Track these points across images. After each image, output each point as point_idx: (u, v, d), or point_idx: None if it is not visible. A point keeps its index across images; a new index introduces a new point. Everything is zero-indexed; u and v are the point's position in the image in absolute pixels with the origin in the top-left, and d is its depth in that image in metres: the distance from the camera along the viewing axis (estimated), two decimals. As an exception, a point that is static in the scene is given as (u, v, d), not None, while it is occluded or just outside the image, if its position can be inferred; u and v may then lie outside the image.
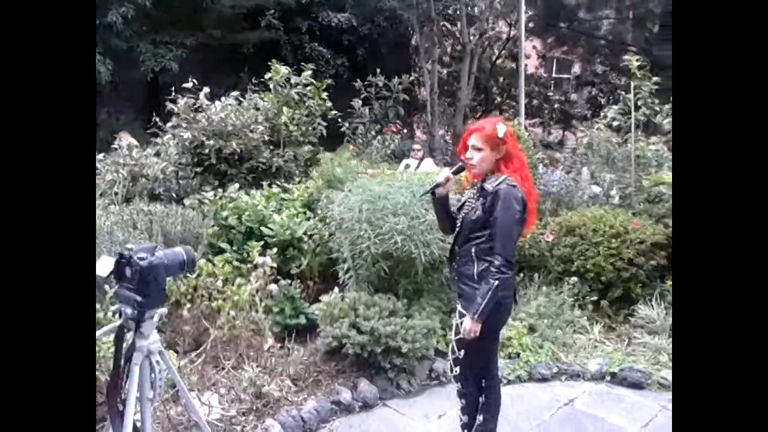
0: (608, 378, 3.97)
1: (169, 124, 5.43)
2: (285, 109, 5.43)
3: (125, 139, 7.23)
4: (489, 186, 2.53)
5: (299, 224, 4.45)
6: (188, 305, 3.65)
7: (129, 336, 1.67)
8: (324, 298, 3.93)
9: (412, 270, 4.04)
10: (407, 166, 6.00)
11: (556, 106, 18.11)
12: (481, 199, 2.56)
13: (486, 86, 16.28)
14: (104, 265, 1.61)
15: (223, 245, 4.32)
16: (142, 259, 1.55)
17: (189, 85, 5.22)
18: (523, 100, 9.60)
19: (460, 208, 2.73)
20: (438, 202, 2.78)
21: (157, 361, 1.69)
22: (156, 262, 1.57)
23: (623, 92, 6.03)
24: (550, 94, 18.72)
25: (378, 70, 9.70)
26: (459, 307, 2.70)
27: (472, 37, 11.15)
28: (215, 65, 11.47)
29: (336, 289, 3.99)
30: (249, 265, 4.06)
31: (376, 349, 3.57)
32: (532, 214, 2.64)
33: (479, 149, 2.57)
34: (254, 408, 3.19)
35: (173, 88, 5.60)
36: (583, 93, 18.66)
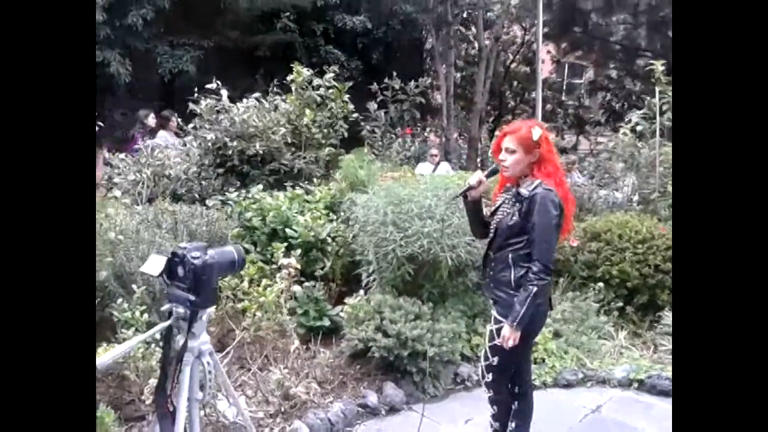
0: (635, 385, 3.92)
1: (190, 125, 5.44)
2: (307, 111, 5.43)
3: (151, 121, 7.10)
4: (525, 191, 2.50)
5: (322, 226, 4.44)
6: (213, 307, 3.64)
7: (178, 336, 1.66)
8: (349, 300, 3.91)
9: (436, 274, 4.02)
10: (422, 175, 5.97)
11: (569, 111, 18.02)
12: (517, 204, 2.53)
13: (500, 90, 16.21)
14: (155, 264, 1.60)
15: (247, 246, 4.31)
16: (195, 258, 1.54)
17: (213, 86, 5.23)
18: (540, 105, 9.55)
19: (493, 213, 2.71)
20: (470, 205, 2.76)
21: (208, 362, 1.68)
22: (209, 261, 1.56)
23: (643, 97, 5.98)
24: (564, 98, 18.65)
25: (394, 74, 9.68)
26: (494, 313, 2.67)
27: (488, 41, 11.11)
28: (230, 67, 11.48)
29: (361, 292, 3.97)
30: (273, 267, 4.06)
31: (403, 353, 3.55)
32: (568, 219, 2.60)
33: (513, 151, 2.54)
34: (282, 410, 3.17)
35: (195, 89, 5.60)
36: (597, 98, 18.55)
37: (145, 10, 8.71)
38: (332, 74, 5.63)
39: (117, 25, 8.53)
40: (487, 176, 2.66)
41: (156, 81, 11.80)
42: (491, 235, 2.67)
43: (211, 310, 1.72)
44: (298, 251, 4.24)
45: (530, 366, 3.00)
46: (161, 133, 6.81)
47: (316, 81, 5.66)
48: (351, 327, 3.73)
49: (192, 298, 1.55)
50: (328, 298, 4.24)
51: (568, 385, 3.95)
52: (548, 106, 17.52)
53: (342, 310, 4.01)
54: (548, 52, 17.16)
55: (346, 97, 5.76)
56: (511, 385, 2.83)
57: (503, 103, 17.35)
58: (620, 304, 4.50)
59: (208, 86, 5.25)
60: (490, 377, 2.78)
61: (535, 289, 2.44)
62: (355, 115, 6.08)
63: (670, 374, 3.93)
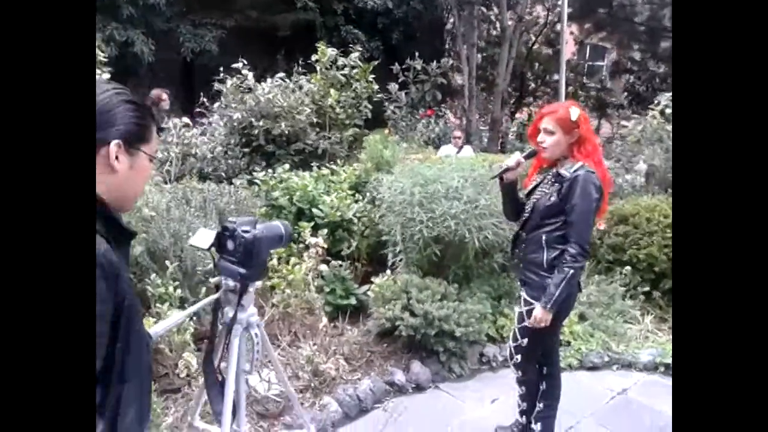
0: (661, 369, 3.92)
1: (216, 105, 5.47)
2: (332, 91, 5.41)
3: (165, 100, 7.04)
4: (565, 172, 2.48)
5: (348, 206, 4.46)
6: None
7: (227, 308, 1.69)
8: (376, 280, 3.94)
9: (462, 255, 4.02)
10: (447, 156, 5.94)
11: (591, 93, 17.74)
12: (557, 185, 2.51)
13: (522, 72, 16.02)
14: (204, 237, 1.62)
15: (274, 225, 4.34)
16: (246, 231, 1.56)
17: (238, 65, 5.23)
18: (563, 87, 9.42)
19: (529, 194, 2.70)
20: (506, 187, 2.74)
21: (255, 334, 1.71)
22: (259, 235, 1.58)
23: (668, 80, 5.85)
24: (586, 81, 18.35)
25: (416, 54, 9.62)
26: (524, 294, 2.68)
27: (510, 22, 10.95)
28: (251, 47, 11.46)
29: (388, 272, 4.00)
30: (300, 245, 4.09)
31: (429, 332, 3.57)
32: (605, 201, 2.59)
33: (551, 133, 2.52)
34: (311, 385, 3.22)
35: (219, 68, 5.61)
36: (619, 81, 18.23)
37: (168, -11, 8.71)
38: (357, 54, 5.60)
39: (140, 4, 8.54)
40: (526, 158, 2.64)
41: (177, 61, 11.86)
42: (525, 215, 2.66)
43: (259, 283, 1.74)
44: (325, 231, 4.28)
45: (558, 347, 3.01)
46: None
47: (341, 61, 5.63)
48: (378, 306, 3.76)
49: (242, 271, 1.58)
50: (354, 278, 4.28)
51: (594, 368, 3.95)
52: (570, 89, 17.26)
53: (368, 290, 4.04)
54: (571, 33, 16.85)
55: (370, 77, 5.72)
56: (539, 365, 2.85)
57: (524, 84, 17.14)
58: (647, 288, 4.47)
59: (234, 65, 5.25)
60: (518, 358, 2.80)
61: (572, 271, 2.43)
62: (380, 95, 6.05)
63: (696, 358, 3.91)
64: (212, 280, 1.69)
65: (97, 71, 3.36)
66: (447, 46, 16.66)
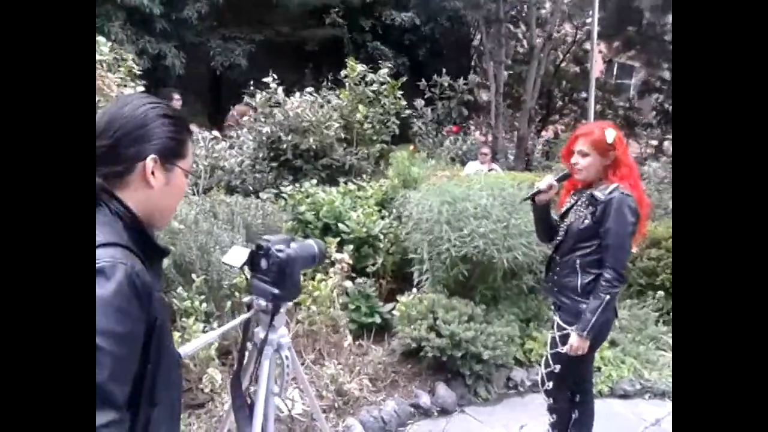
0: (696, 399, 3.77)
1: (245, 118, 5.50)
2: (360, 106, 5.41)
3: (177, 99, 6.99)
4: (599, 194, 2.41)
5: (375, 222, 4.42)
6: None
7: (257, 328, 1.65)
8: (401, 298, 3.88)
9: (490, 275, 3.95)
10: (476, 172, 5.88)
11: (619, 112, 17.52)
12: (591, 207, 2.44)
13: (549, 90, 15.90)
14: (237, 255, 1.59)
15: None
16: (280, 251, 1.52)
17: (269, 79, 5.26)
18: (592, 106, 9.30)
19: (563, 216, 2.63)
20: (538, 209, 2.68)
21: (286, 356, 1.67)
22: (293, 255, 1.54)
23: None
24: (614, 99, 18.14)
25: (443, 71, 9.61)
26: (557, 319, 2.60)
27: (539, 39, 10.89)
28: (279, 61, 11.59)
29: (414, 290, 3.94)
30: (326, 262, 4.05)
31: (456, 354, 3.49)
32: (642, 223, 2.50)
33: (586, 155, 2.45)
34: (335, 405, 3.17)
35: (249, 82, 5.65)
36: (648, 100, 17.98)
37: (200, 4, 8.86)
38: (387, 69, 5.59)
39: (173, 18, 8.70)
40: (558, 181, 2.58)
41: (206, 74, 12.04)
42: (559, 238, 2.59)
43: (290, 304, 1.70)
44: (351, 247, 4.24)
45: (592, 375, 2.91)
46: None
47: (370, 76, 5.64)
48: (403, 325, 3.70)
49: (275, 291, 1.54)
50: (378, 295, 4.22)
51: (626, 396, 3.83)
52: (597, 107, 17.08)
53: (393, 308, 3.98)
54: (600, 51, 16.73)
55: (399, 93, 5.71)
56: (572, 393, 2.76)
57: (551, 102, 17.02)
58: (680, 313, 4.32)
59: (265, 79, 5.28)
60: (550, 385, 2.71)
61: (608, 297, 2.35)
62: (408, 111, 6.03)
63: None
64: (244, 299, 1.65)
65: (132, 83, 3.40)
66: (473, 63, 16.66)
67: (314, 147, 5.12)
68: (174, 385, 1.21)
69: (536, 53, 10.44)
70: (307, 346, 3.58)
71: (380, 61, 5.96)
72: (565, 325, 2.54)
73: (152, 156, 1.15)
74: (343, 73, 5.68)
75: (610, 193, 2.37)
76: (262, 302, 1.58)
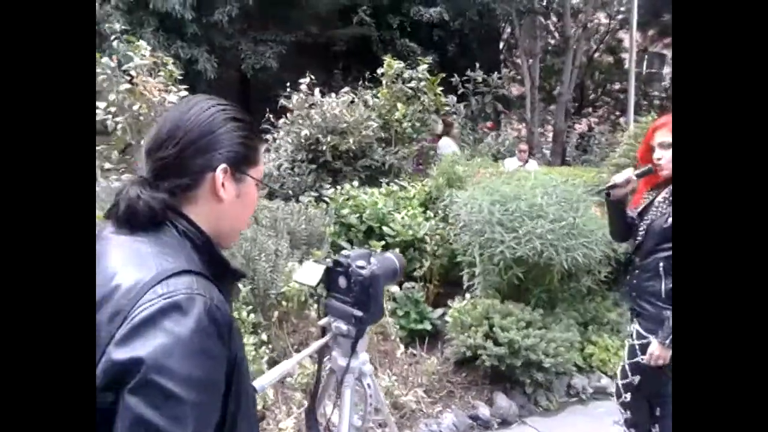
0: None
1: (282, 121, 5.39)
2: (399, 105, 5.24)
3: None
4: None
5: (420, 224, 4.25)
6: (315, 306, 3.54)
7: (334, 353, 1.50)
8: (453, 304, 3.71)
9: (547, 277, 3.74)
10: (527, 169, 5.67)
11: (655, 102, 17.02)
12: (675, 204, 2.23)
13: (582, 81, 15.51)
14: (310, 273, 1.43)
15: (344, 244, 4.19)
16: (362, 267, 1.35)
17: (306, 80, 5.14)
18: (632, 97, 8.97)
19: (642, 214, 2.41)
20: (613, 204, 2.47)
21: (368, 385, 1.51)
22: (377, 272, 1.37)
23: None
24: (648, 90, 17.65)
25: (477, 65, 9.38)
26: (637, 327, 2.39)
27: (573, 30, 10.56)
28: (308, 63, 11.54)
29: (467, 295, 3.76)
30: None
31: (515, 363, 3.31)
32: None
33: (669, 145, 2.24)
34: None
35: (287, 84, 5.54)
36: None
37: (231, 7, 8.80)
38: (426, 66, 5.41)
39: (203, 22, 8.66)
40: (638, 176, 2.36)
41: (235, 77, 12.04)
42: (639, 238, 2.37)
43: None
44: (396, 250, 4.07)
45: (671, 387, 2.68)
46: None
47: (407, 73, 5.46)
48: (457, 333, 3.52)
49: (358, 313, 1.37)
50: (425, 300, 4.06)
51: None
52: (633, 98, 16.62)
53: (444, 314, 3.81)
54: (631, 39, 16.26)
55: (439, 89, 5.53)
56: (651, 406, 2.54)
57: (584, 94, 16.62)
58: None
59: (301, 81, 5.16)
60: (628, 397, 2.51)
61: (697, 303, 2.14)
62: (447, 107, 5.84)
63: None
64: (320, 322, 1.50)
65: (173, 88, 3.30)
66: (502, 57, 16.35)
67: (353, 148, 4.97)
68: (254, 425, 1.06)
69: (571, 44, 10.12)
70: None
71: (419, 57, 5.77)
72: (645, 333, 2.33)
73: (222, 166, 1.00)
74: (379, 71, 5.51)
75: (698, 188, 2.16)
76: (342, 325, 1.41)
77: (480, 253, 3.73)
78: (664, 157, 2.25)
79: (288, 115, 5.24)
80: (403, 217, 4.23)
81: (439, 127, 6.67)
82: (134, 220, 0.96)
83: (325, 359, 1.53)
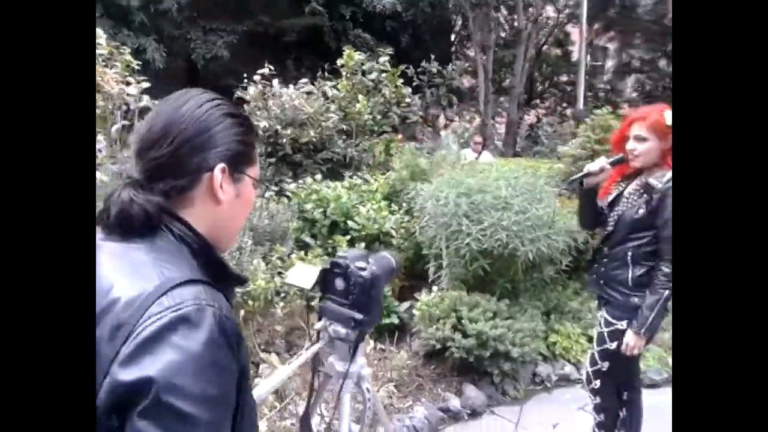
0: (725, 386, 3.69)
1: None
2: (360, 96, 5.18)
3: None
4: (656, 182, 2.26)
5: (385, 218, 4.23)
6: (281, 304, 3.47)
7: (331, 358, 1.45)
8: (421, 297, 3.71)
9: (511, 269, 3.80)
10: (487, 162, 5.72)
11: (600, 94, 17.56)
12: (646, 196, 2.28)
13: (531, 73, 15.82)
14: (303, 275, 1.38)
15: (308, 240, 4.12)
16: (361, 269, 1.30)
17: (264, 71, 5.01)
18: (582, 88, 9.20)
19: (612, 204, 2.46)
20: (585, 193, 2.51)
21: (367, 389, 1.47)
22: (378, 272, 1.32)
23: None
24: (594, 82, 18.17)
25: (431, 57, 9.40)
26: (605, 314, 2.45)
27: (525, 23, 10.74)
28: (260, 52, 11.29)
29: (434, 288, 3.77)
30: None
31: (484, 354, 3.34)
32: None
33: (644, 139, 2.29)
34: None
35: (243, 76, 5.38)
36: (627, 81, 18.05)
37: (180, -5, 8.49)
38: (387, 57, 5.37)
39: (152, 11, 8.31)
40: (612, 164, 2.41)
41: (183, 67, 11.65)
42: (609, 229, 2.43)
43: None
44: (362, 244, 4.05)
45: (639, 371, 2.77)
46: None
47: (367, 65, 5.41)
48: (425, 326, 3.53)
49: (358, 316, 1.32)
50: (392, 294, 4.05)
51: (654, 386, 3.72)
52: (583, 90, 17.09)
53: (411, 307, 3.81)
54: (581, 33, 16.70)
55: (399, 81, 5.50)
56: (619, 391, 2.62)
57: (533, 86, 16.96)
58: (702, 299, 4.24)
59: (260, 71, 5.02)
60: (597, 383, 2.57)
61: (667, 292, 2.21)
62: (408, 99, 5.81)
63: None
64: (316, 326, 1.44)
65: (131, 80, 3.13)
66: (454, 49, 16.48)
67: (314, 140, 4.89)
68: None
69: (523, 37, 10.28)
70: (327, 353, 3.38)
71: (379, 49, 5.72)
72: (614, 321, 2.39)
73: (221, 165, 0.94)
74: (339, 62, 5.43)
75: (668, 181, 2.22)
76: (341, 329, 1.36)
77: (446, 245, 3.74)
78: (636, 149, 2.30)
79: (245, 106, 5.10)
80: (368, 211, 4.20)
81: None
82: (127, 226, 0.89)
83: (320, 364, 1.49)
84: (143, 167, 0.93)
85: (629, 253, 2.34)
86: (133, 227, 0.89)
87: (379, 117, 5.31)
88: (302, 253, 3.85)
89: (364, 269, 1.31)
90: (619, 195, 2.44)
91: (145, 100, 3.04)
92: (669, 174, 2.24)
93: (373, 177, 4.80)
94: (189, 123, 0.93)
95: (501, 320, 3.47)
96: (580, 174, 2.46)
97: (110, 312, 0.80)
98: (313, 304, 3.46)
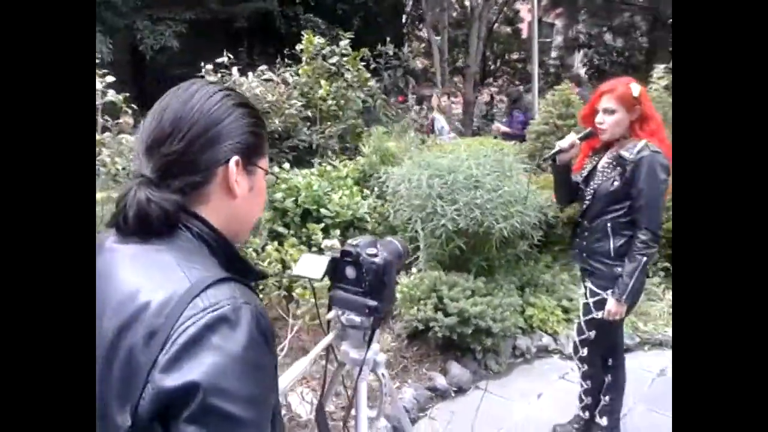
0: (693, 345, 3.87)
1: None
2: (322, 82, 5.11)
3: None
4: (627, 153, 2.32)
5: (358, 203, 4.21)
6: (260, 296, 3.43)
7: (343, 346, 1.43)
8: (402, 279, 3.73)
9: (486, 246, 3.86)
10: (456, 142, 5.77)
11: (550, 70, 17.85)
12: (619, 168, 2.35)
13: (483, 52, 15.95)
14: (312, 265, 1.35)
15: (281, 229, 4.07)
16: (374, 255, 1.29)
17: (224, 59, 4.87)
18: (536, 66, 9.35)
19: (587, 179, 2.53)
20: (559, 169, 2.57)
21: (383, 374, 1.46)
22: (389, 258, 1.31)
23: (629, 54, 5.75)
24: (545, 58, 18.45)
25: (387, 39, 9.32)
26: (590, 285, 2.53)
27: (477, 1, 10.79)
28: (210, 41, 10.97)
29: (414, 270, 3.79)
30: (313, 250, 3.83)
31: (466, 331, 3.40)
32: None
33: (612, 112, 2.35)
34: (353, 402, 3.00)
35: (203, 65, 5.21)
36: (577, 56, 18.40)
37: (123, -17, 8.13)
38: (348, 41, 5.30)
39: (96, 2, 7.93)
40: (581, 139, 2.47)
41: (131, 59, 11.21)
42: (587, 202, 2.49)
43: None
44: (336, 231, 4.03)
45: (623, 337, 2.87)
46: None
47: (327, 49, 5.33)
48: (407, 307, 3.56)
49: (372, 303, 1.31)
50: (370, 278, 4.05)
51: (627, 350, 3.83)
52: (529, 67, 17.34)
53: (390, 290, 3.82)
54: (528, 10, 16.90)
55: (361, 65, 5.44)
56: (604, 358, 2.72)
57: (485, 65, 17.10)
58: (666, 264, 4.42)
59: (218, 60, 4.88)
60: (585, 352, 2.67)
61: (645, 259, 2.29)
62: (371, 83, 5.76)
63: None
64: (328, 315, 1.43)
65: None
66: (406, 30, 16.43)
67: (279, 129, 4.80)
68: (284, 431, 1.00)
69: (476, 15, 10.33)
70: (311, 341, 3.38)
71: (341, 33, 5.64)
72: (599, 291, 2.47)
73: (235, 158, 0.91)
74: (299, 47, 5.33)
75: (639, 152, 2.28)
76: (355, 317, 1.35)
77: (422, 227, 3.77)
78: (605, 122, 2.36)
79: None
80: (340, 198, 4.17)
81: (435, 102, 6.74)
82: (146, 226, 0.86)
83: (333, 353, 1.47)
84: (155, 164, 0.90)
85: (609, 225, 2.41)
86: (152, 228, 0.86)
87: (342, 102, 5.25)
88: (276, 243, 3.80)
89: (375, 255, 1.30)
90: (593, 169, 2.50)
91: (110, 94, 2.91)
92: (639, 145, 2.30)
93: (341, 163, 4.76)
94: (200, 116, 0.90)
95: (480, 297, 3.53)
96: (552, 152, 2.51)
97: (141, 318, 0.77)
98: (294, 294, 3.45)
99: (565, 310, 4.05)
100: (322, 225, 4.06)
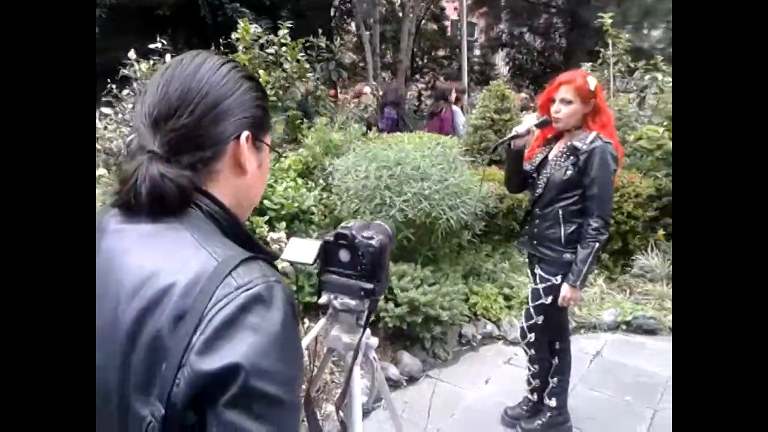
0: (623, 327, 4.12)
1: (126, 92, 4.81)
2: (260, 72, 4.98)
3: None
4: (580, 143, 2.43)
5: (303, 195, 4.15)
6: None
7: (335, 332, 1.39)
8: (350, 271, 3.71)
9: (432, 236, 3.92)
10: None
11: (475, 68, 18.36)
12: (572, 157, 2.46)
13: (412, 48, 16.15)
14: (303, 250, 1.30)
15: (223, 223, 3.93)
16: (369, 238, 1.26)
17: (158, 45, 4.62)
18: (465, 63, 9.57)
19: (539, 167, 2.62)
20: (513, 155, 2.64)
21: (374, 357, 1.44)
22: (385, 241, 1.29)
23: (548, 54, 6.08)
24: (469, 56, 18.95)
25: (320, 31, 9.23)
26: (540, 271, 2.62)
27: (407, -2, 10.90)
28: (132, 29, 10.42)
29: (362, 262, 3.79)
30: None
31: (416, 320, 3.44)
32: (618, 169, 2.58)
33: (569, 102, 2.45)
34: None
35: (136, 49, 4.94)
36: (499, 55, 19.05)
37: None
38: (287, 30, 5.18)
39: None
40: (538, 126, 2.55)
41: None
42: (539, 191, 2.58)
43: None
44: (282, 224, 3.95)
45: (569, 321, 3.01)
46: None
47: (264, 38, 5.19)
48: (357, 299, 3.55)
49: (368, 286, 1.29)
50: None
51: (578, 331, 4.05)
52: (455, 64, 17.76)
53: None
54: (455, 9, 17.28)
55: (300, 55, 5.35)
56: (551, 342, 2.83)
57: (413, 61, 17.32)
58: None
59: (152, 46, 4.63)
60: (533, 337, 2.76)
61: (597, 245, 2.41)
62: (309, 75, 5.68)
63: (652, 314, 4.16)
64: (321, 300, 1.39)
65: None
66: (334, 24, 16.31)
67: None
68: None
69: (407, 12, 10.43)
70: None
71: (279, 23, 5.50)
72: (548, 276, 2.57)
73: (246, 133, 0.87)
74: (234, 36, 5.16)
75: (592, 142, 2.40)
76: (350, 300, 1.33)
77: (371, 218, 3.77)
78: (561, 111, 2.45)
79: (135, 84, 4.69)
80: (285, 189, 4.09)
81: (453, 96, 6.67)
82: (161, 204, 0.80)
83: (322, 338, 1.44)
84: (162, 139, 0.84)
85: (560, 213, 2.51)
86: (166, 206, 0.80)
87: (281, 92, 5.14)
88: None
89: (371, 238, 1.29)
90: (545, 159, 2.60)
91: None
92: (591, 136, 2.42)
93: (283, 154, 4.67)
94: (210, 88, 0.85)
95: (428, 286, 3.59)
96: (508, 136, 2.58)
97: (164, 301, 0.72)
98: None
99: (507, 298, 4.19)
100: (266, 217, 3.96)
